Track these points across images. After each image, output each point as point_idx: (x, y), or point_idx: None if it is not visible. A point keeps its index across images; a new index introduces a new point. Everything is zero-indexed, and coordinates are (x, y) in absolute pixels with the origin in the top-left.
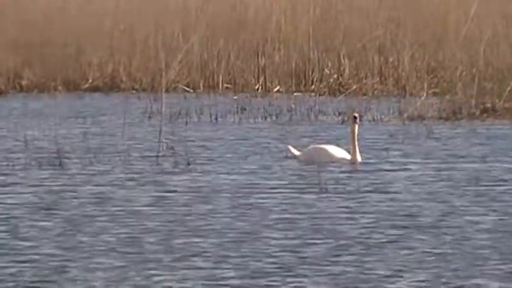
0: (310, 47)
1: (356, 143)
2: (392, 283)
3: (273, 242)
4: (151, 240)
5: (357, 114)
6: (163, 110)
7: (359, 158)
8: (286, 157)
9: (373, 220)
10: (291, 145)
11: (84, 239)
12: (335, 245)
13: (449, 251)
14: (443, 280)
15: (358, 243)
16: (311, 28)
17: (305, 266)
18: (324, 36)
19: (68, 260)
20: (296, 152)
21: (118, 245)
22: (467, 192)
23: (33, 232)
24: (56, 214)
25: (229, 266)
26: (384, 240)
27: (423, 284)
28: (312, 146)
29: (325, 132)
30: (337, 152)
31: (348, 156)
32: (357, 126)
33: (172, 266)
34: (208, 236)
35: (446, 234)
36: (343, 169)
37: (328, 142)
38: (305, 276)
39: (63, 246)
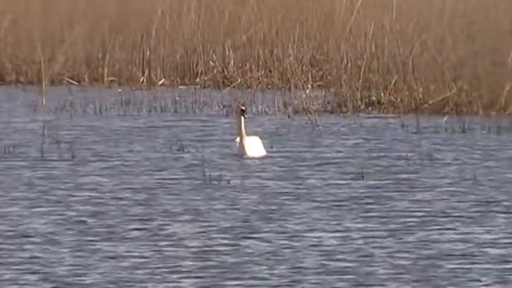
0: (195, 39)
1: (244, 135)
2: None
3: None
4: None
5: (243, 107)
6: (43, 102)
7: (248, 151)
8: (171, 149)
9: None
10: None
11: None
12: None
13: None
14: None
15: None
16: (197, 19)
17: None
18: (209, 28)
19: None
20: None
21: None
22: (354, 185)
23: None
24: None
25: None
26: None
27: None
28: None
29: (209, 125)
30: (236, 144)
31: (252, 149)
32: (243, 119)
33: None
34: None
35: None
36: (228, 162)
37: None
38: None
39: None
